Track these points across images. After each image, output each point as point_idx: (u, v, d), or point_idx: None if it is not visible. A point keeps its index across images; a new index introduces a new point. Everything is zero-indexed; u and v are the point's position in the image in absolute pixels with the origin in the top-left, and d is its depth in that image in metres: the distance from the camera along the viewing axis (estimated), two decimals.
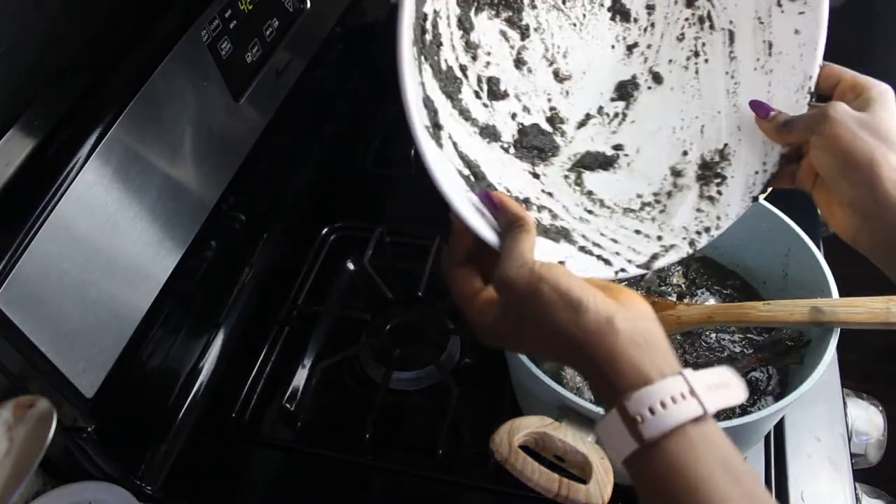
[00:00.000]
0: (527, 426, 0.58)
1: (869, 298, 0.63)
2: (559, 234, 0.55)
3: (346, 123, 1.07)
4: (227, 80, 0.76)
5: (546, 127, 0.60)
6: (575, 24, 0.57)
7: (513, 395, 0.74)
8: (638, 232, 0.58)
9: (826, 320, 0.63)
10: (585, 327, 0.42)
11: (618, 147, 0.61)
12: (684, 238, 0.58)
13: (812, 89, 0.55)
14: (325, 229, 0.96)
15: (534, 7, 0.55)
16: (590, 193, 0.59)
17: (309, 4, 0.91)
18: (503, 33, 0.58)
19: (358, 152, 1.06)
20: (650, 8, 0.60)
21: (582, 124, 0.61)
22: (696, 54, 0.60)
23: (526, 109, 0.58)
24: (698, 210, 0.58)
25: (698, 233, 0.58)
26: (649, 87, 0.61)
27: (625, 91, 0.62)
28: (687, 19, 0.60)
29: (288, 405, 0.80)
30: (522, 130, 0.58)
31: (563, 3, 0.57)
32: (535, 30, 0.56)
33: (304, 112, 0.96)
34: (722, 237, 0.78)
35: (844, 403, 0.74)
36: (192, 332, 0.79)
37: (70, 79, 0.63)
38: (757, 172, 0.57)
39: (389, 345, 0.82)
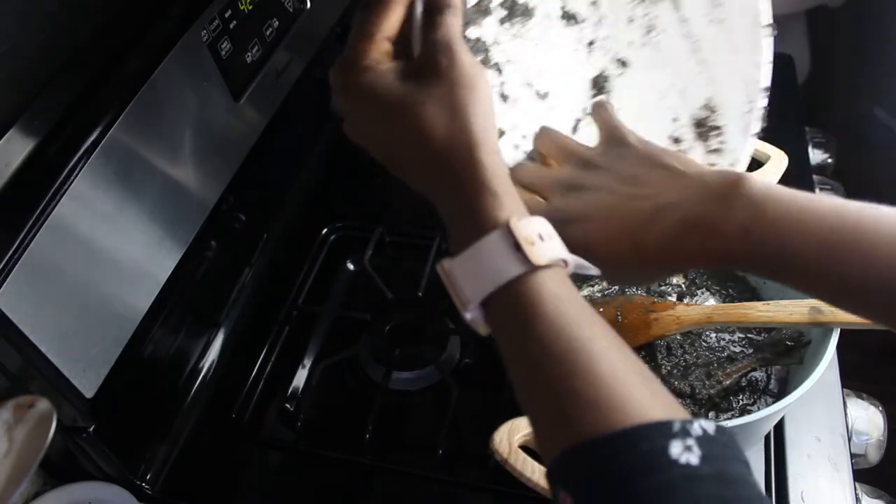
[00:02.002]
0: (527, 426, 0.58)
1: None
2: None
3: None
4: (227, 80, 0.77)
5: None
6: (537, 44, 0.60)
7: (513, 395, 0.73)
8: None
9: (826, 320, 0.63)
10: (474, 138, 0.40)
11: None
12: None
13: (768, 22, 0.57)
14: (325, 229, 0.96)
15: (497, 44, 0.58)
16: None
17: (309, 4, 0.91)
18: None
19: (358, 152, 1.06)
20: (594, 4, 0.61)
21: (574, 129, 0.63)
22: (650, 30, 0.62)
23: (524, 136, 0.60)
24: (710, 165, 0.61)
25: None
26: (620, 74, 0.63)
27: (600, 85, 0.64)
28: (629, 2, 0.62)
29: (288, 405, 0.80)
30: (530, 158, 0.60)
31: (522, 29, 0.59)
32: (507, 63, 0.58)
33: (304, 112, 0.96)
34: None
35: (844, 403, 0.74)
36: (192, 332, 0.79)
37: (70, 79, 0.63)
38: (747, 111, 0.59)
39: (389, 345, 0.82)
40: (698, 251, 0.43)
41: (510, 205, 0.39)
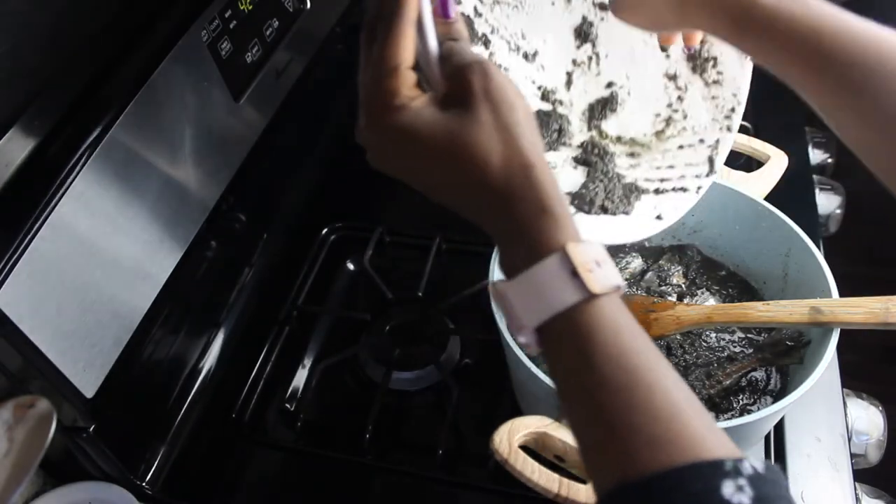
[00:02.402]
0: (527, 426, 0.58)
1: (868, 298, 0.63)
2: (631, 191, 0.58)
3: (346, 123, 1.07)
4: (227, 80, 0.77)
5: (545, 107, 0.62)
6: (516, 6, 0.59)
7: (513, 395, 0.74)
8: (681, 147, 0.62)
9: (825, 320, 0.63)
10: (526, 159, 0.39)
11: (610, 84, 0.65)
12: (720, 128, 0.62)
13: None
14: (325, 229, 0.96)
15: (479, 16, 0.57)
16: (619, 138, 0.62)
17: (309, 4, 0.91)
18: None
19: (358, 152, 1.06)
20: None
21: (569, 83, 0.63)
22: None
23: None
24: (713, 98, 0.61)
25: (727, 117, 0.61)
26: (601, 19, 0.63)
27: (585, 33, 0.64)
28: None
29: (288, 405, 0.80)
30: None
31: None
32: (492, 33, 0.58)
33: (304, 112, 0.96)
34: (722, 237, 0.78)
35: (844, 403, 0.74)
36: (192, 332, 0.79)
37: (70, 79, 0.63)
38: None
39: (389, 345, 0.82)
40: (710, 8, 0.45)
41: (567, 227, 0.38)
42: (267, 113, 0.86)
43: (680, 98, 0.64)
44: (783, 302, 0.67)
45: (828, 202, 0.94)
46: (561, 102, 0.63)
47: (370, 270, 0.87)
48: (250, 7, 0.80)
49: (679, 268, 0.79)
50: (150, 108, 0.66)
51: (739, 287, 0.78)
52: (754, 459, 0.32)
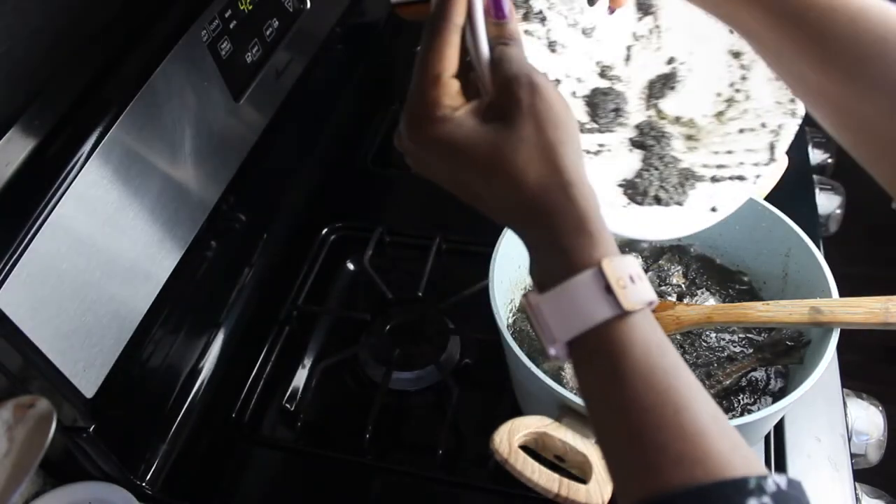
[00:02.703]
0: (527, 426, 0.58)
1: (868, 298, 0.63)
2: (686, 178, 0.56)
3: (346, 123, 1.08)
4: (227, 80, 0.77)
5: (603, 84, 0.60)
6: None
7: (513, 395, 0.74)
8: (741, 131, 0.59)
9: (825, 320, 0.63)
10: (566, 177, 0.38)
11: (671, 60, 0.61)
12: (784, 112, 0.58)
13: None
14: (325, 229, 0.96)
15: None
16: (678, 119, 0.59)
17: (309, 4, 0.91)
18: (528, 33, 0.58)
19: (358, 152, 1.06)
20: None
21: (627, 58, 0.61)
22: None
23: (579, 80, 0.58)
24: (777, 78, 0.58)
25: (792, 100, 0.58)
26: None
27: (646, 6, 0.61)
28: None
29: (288, 405, 0.80)
30: (589, 103, 0.58)
31: None
32: (549, 9, 0.56)
33: (304, 112, 0.96)
34: (722, 237, 0.78)
35: (844, 403, 0.74)
36: (192, 332, 0.79)
37: (70, 79, 0.63)
38: None
39: (389, 345, 0.82)
40: None
41: (603, 243, 0.38)
42: (267, 113, 0.86)
43: (743, 77, 0.61)
44: (783, 302, 0.67)
45: (828, 202, 0.94)
46: (619, 79, 0.61)
47: (370, 270, 0.87)
48: (250, 7, 0.80)
49: (679, 268, 0.79)
50: (150, 108, 0.66)
51: (739, 287, 0.78)
52: (778, 476, 0.32)
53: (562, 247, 0.38)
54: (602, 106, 0.59)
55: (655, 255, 0.80)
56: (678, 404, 0.34)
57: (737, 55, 0.61)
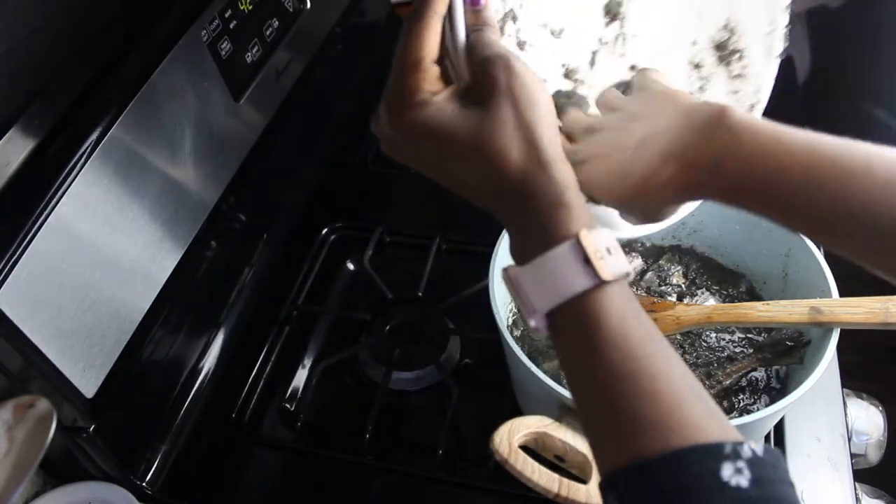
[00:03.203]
0: (527, 426, 0.58)
1: (868, 298, 0.63)
2: None
3: (346, 123, 1.08)
4: (227, 80, 0.77)
5: (567, 86, 0.61)
6: None
7: (513, 395, 0.74)
8: None
9: (825, 320, 0.63)
10: (545, 155, 0.39)
11: (633, 67, 0.63)
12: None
13: None
14: (325, 229, 0.96)
15: None
16: None
17: (309, 4, 0.91)
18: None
19: (358, 152, 1.06)
20: None
21: (592, 62, 0.62)
22: None
23: (544, 80, 0.58)
24: (735, 92, 0.60)
25: (748, 111, 0.60)
26: None
27: (613, 11, 0.62)
28: None
29: (288, 405, 0.80)
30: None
31: None
32: (521, 7, 0.57)
33: (304, 112, 0.96)
34: (722, 237, 0.78)
35: (844, 403, 0.74)
36: (192, 332, 0.79)
37: (70, 79, 0.63)
38: (768, 32, 0.58)
39: (389, 345, 0.82)
40: (679, 182, 0.43)
41: (582, 217, 0.38)
42: (267, 113, 0.86)
43: (702, 88, 0.63)
44: (783, 302, 0.67)
45: None
46: (583, 82, 0.62)
47: (370, 270, 0.87)
48: (250, 7, 0.80)
49: (679, 268, 0.79)
50: (150, 108, 0.66)
51: (739, 287, 0.78)
52: (754, 443, 0.32)
53: (540, 222, 0.38)
54: (564, 107, 0.60)
55: (655, 255, 0.80)
56: (654, 372, 0.35)
57: (697, 66, 0.62)
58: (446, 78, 0.43)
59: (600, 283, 0.36)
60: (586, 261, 0.36)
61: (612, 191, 0.46)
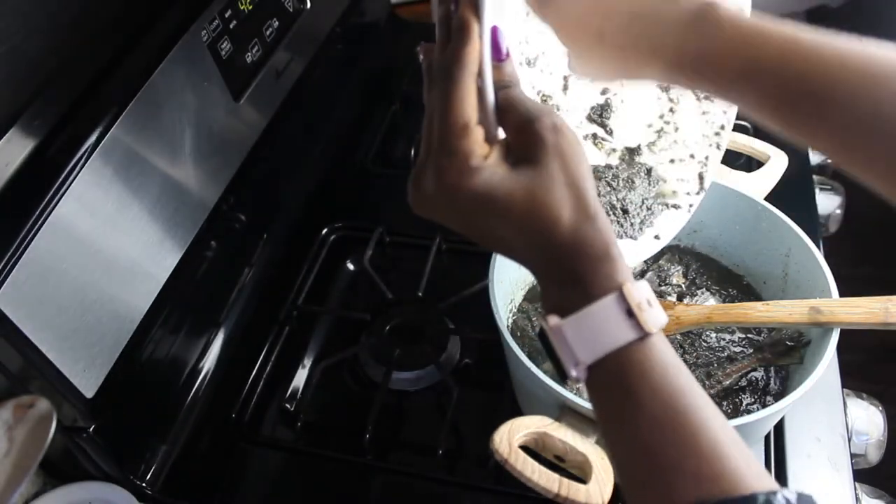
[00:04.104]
0: (527, 426, 0.58)
1: (867, 298, 0.63)
2: (626, 210, 0.62)
3: (346, 123, 1.08)
4: (227, 80, 0.77)
5: None
6: (517, 12, 0.58)
7: (513, 395, 0.74)
8: (672, 161, 0.64)
9: (825, 320, 0.63)
10: (591, 210, 0.39)
11: (604, 91, 0.65)
12: (710, 144, 0.63)
13: None
14: (325, 229, 0.96)
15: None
16: (614, 150, 0.64)
17: (309, 4, 0.92)
18: None
19: (358, 152, 1.06)
20: None
21: (565, 88, 0.64)
22: None
23: None
24: (703, 113, 0.63)
25: (716, 133, 0.63)
26: None
27: None
28: None
29: (288, 405, 0.80)
30: None
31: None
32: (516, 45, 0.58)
33: (304, 112, 0.96)
34: (722, 237, 0.78)
35: (844, 403, 0.74)
36: (192, 332, 0.79)
37: (70, 79, 0.63)
38: None
39: (389, 345, 0.82)
40: (657, 65, 0.44)
41: (624, 269, 0.39)
42: (267, 113, 0.86)
43: (671, 110, 0.65)
44: (783, 302, 0.67)
45: (828, 202, 0.94)
46: (558, 108, 0.64)
47: (370, 270, 0.87)
48: (250, 7, 0.80)
49: (679, 268, 0.79)
50: (150, 108, 0.66)
51: (739, 287, 0.78)
52: (788, 492, 0.33)
53: (586, 275, 0.39)
54: None
55: (655, 256, 0.80)
56: (694, 424, 0.36)
57: (666, 88, 0.65)
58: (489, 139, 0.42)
59: (643, 336, 0.37)
60: (629, 313, 0.37)
61: (578, 41, 0.47)
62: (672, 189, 0.66)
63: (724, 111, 0.63)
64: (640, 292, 0.38)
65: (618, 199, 0.62)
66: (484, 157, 0.41)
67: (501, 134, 0.42)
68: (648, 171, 0.65)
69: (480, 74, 0.41)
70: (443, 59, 0.41)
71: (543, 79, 0.61)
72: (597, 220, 0.40)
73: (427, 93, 0.43)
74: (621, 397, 0.37)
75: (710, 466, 0.34)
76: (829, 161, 1.03)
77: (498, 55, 0.43)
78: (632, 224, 0.63)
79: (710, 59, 0.42)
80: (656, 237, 0.65)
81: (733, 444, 0.36)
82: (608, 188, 0.62)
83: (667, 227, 0.65)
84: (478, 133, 0.41)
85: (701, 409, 0.36)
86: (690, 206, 0.65)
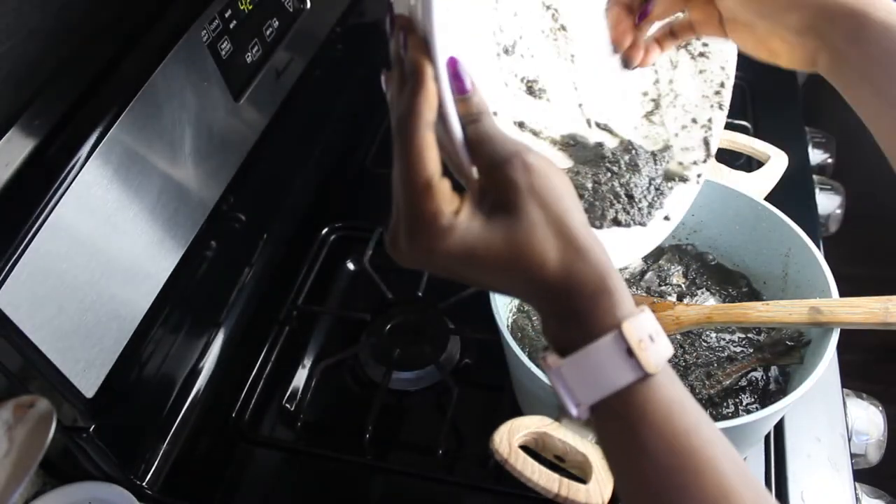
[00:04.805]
0: (527, 426, 0.58)
1: (867, 298, 0.63)
2: (631, 194, 0.58)
3: (346, 123, 1.08)
4: (227, 80, 0.77)
5: (531, 103, 0.59)
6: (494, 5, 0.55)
7: (513, 395, 0.74)
8: (676, 135, 0.61)
9: (825, 320, 0.63)
10: (580, 244, 0.38)
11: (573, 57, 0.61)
12: (711, 105, 0.61)
13: None
14: (325, 229, 0.96)
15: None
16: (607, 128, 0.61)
17: (309, 4, 0.91)
18: None
19: (358, 152, 1.06)
20: None
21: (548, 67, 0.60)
22: None
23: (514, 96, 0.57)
24: (701, 72, 0.61)
25: (717, 93, 0.61)
26: None
27: (552, 10, 0.60)
28: None
29: (288, 405, 0.80)
30: (522, 125, 0.58)
31: None
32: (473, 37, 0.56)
33: (304, 112, 0.96)
34: (722, 237, 0.78)
35: (844, 403, 0.74)
36: (192, 332, 0.79)
37: (70, 79, 0.63)
38: None
39: (389, 345, 0.82)
40: (806, 20, 0.47)
41: (623, 302, 0.37)
42: (267, 113, 0.86)
43: (671, 80, 0.63)
44: (783, 302, 0.67)
45: (828, 202, 0.94)
46: (545, 92, 0.59)
47: (370, 270, 0.87)
48: (250, 7, 0.80)
49: (679, 268, 0.79)
50: (150, 108, 0.66)
51: (739, 287, 0.78)
52: None
53: (582, 312, 0.37)
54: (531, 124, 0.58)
55: (655, 255, 0.80)
56: (698, 466, 0.35)
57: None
58: (454, 184, 0.39)
59: (644, 376, 0.36)
60: (629, 353, 0.36)
61: None
62: (678, 160, 0.62)
63: (721, 66, 0.61)
64: (642, 328, 0.36)
65: (621, 185, 0.57)
66: (455, 212, 0.38)
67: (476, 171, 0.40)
68: (653, 153, 0.61)
69: (442, 116, 0.38)
70: (397, 109, 0.39)
71: (525, 63, 0.57)
72: (588, 253, 0.37)
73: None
74: (623, 438, 0.37)
75: None
76: (831, 160, 1.03)
77: (461, 88, 0.39)
78: (639, 210, 0.58)
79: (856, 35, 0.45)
80: (666, 218, 0.60)
81: (741, 482, 0.35)
82: (609, 174, 0.57)
83: (676, 205, 0.61)
84: (443, 188, 0.38)
85: (706, 448, 0.36)
86: (699, 176, 0.61)
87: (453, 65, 0.39)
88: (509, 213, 0.38)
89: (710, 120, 0.62)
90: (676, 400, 0.37)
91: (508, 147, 0.38)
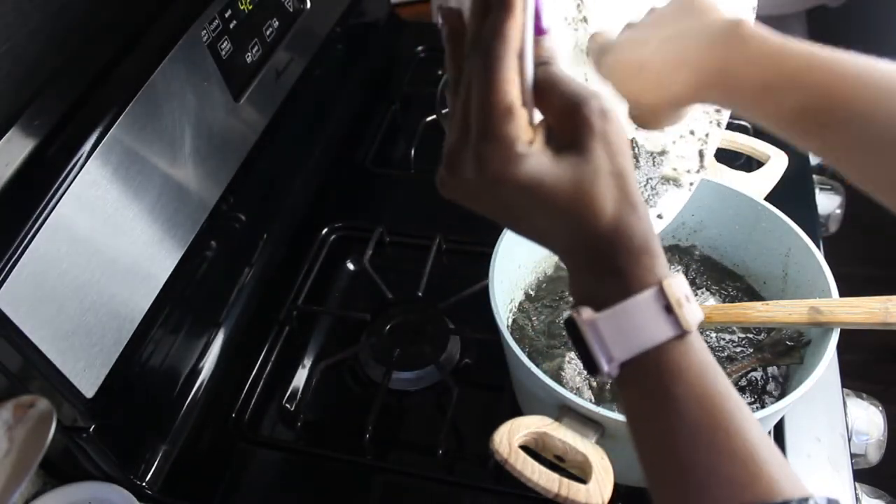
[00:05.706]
0: (527, 426, 0.58)
1: (867, 298, 0.63)
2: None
3: (346, 123, 1.08)
4: (227, 80, 0.77)
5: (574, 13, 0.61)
6: None
7: (513, 395, 0.74)
8: (674, 142, 0.63)
9: (824, 320, 0.63)
10: (634, 199, 0.37)
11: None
12: (710, 121, 0.62)
13: None
14: (325, 229, 0.96)
15: None
16: None
17: (309, 4, 0.92)
18: None
19: (358, 152, 1.06)
20: None
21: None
22: None
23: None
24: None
25: (718, 111, 0.62)
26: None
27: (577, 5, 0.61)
28: None
29: (288, 405, 0.80)
30: None
31: None
32: None
33: (304, 112, 0.96)
34: (722, 237, 0.78)
35: (844, 403, 0.74)
36: (192, 332, 0.79)
37: (70, 79, 0.63)
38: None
39: (389, 345, 0.82)
40: (690, 81, 0.46)
41: (664, 264, 0.38)
42: (267, 113, 0.86)
43: None
44: (783, 302, 0.67)
45: (828, 202, 0.94)
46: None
47: (370, 270, 0.87)
48: (250, 7, 0.80)
49: (679, 268, 0.79)
50: (150, 108, 0.66)
51: (739, 287, 0.78)
52: (819, 497, 0.33)
53: (626, 267, 0.37)
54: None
55: None
56: (729, 427, 0.35)
57: None
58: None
59: (682, 334, 0.36)
60: (668, 309, 0.36)
61: (627, 82, 0.50)
62: (672, 166, 0.65)
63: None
64: (680, 288, 0.36)
65: None
66: (529, 142, 0.37)
67: (537, 114, 0.39)
68: (652, 153, 0.64)
69: (520, 51, 0.38)
70: (482, 32, 0.37)
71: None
72: (641, 210, 0.37)
73: (450, 60, 0.40)
74: (655, 397, 0.36)
75: (745, 471, 0.34)
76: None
77: (540, 29, 0.39)
78: None
79: (733, 72, 0.44)
80: (659, 216, 0.64)
81: (768, 449, 0.35)
82: None
83: (668, 207, 0.64)
84: (522, 116, 0.37)
85: (737, 412, 0.35)
86: (691, 184, 0.64)
87: (537, 4, 0.39)
88: (580, 154, 0.37)
89: (707, 134, 0.64)
90: (709, 362, 0.37)
91: (583, 91, 0.38)
